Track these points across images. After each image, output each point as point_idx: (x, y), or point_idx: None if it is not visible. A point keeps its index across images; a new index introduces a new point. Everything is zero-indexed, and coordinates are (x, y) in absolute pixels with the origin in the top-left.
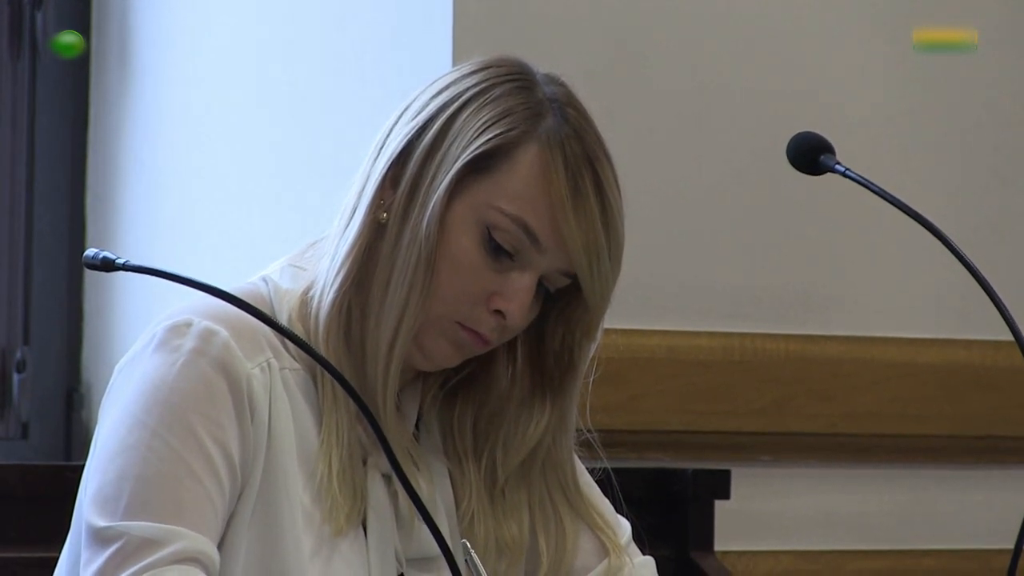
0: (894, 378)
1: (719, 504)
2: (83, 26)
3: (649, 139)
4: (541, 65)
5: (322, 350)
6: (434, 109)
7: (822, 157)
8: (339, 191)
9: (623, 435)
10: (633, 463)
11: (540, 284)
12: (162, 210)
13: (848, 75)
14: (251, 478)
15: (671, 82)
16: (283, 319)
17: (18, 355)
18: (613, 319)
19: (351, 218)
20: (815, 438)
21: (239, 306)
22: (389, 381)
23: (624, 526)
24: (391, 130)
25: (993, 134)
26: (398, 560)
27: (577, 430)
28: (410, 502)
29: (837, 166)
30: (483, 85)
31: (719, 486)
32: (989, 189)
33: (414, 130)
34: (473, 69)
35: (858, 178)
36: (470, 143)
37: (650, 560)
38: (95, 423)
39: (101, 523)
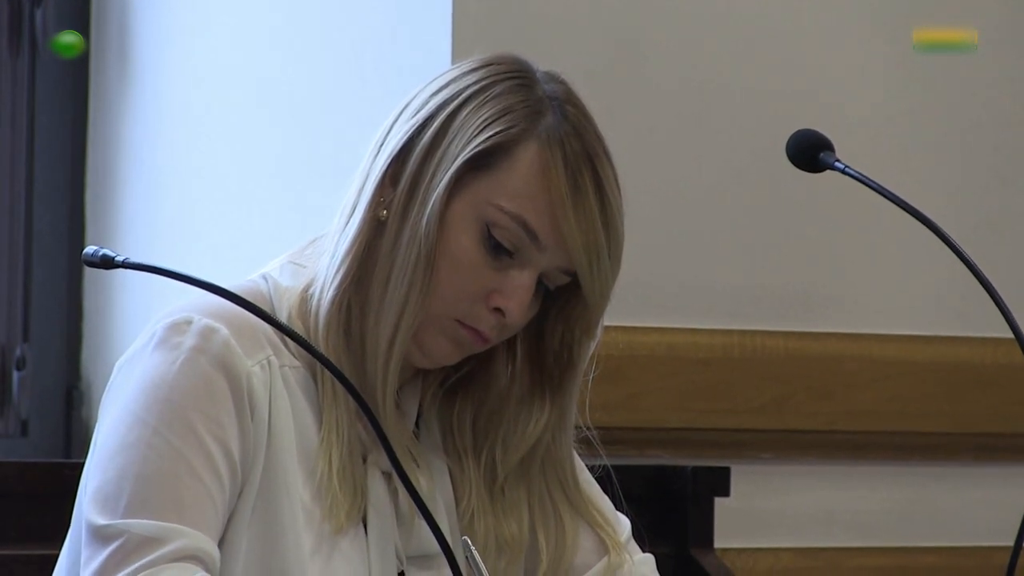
0: (894, 376)
1: (719, 501)
2: (83, 24)
3: (649, 138)
4: (541, 64)
5: (322, 347)
6: (434, 107)
7: (822, 154)
8: (339, 190)
9: (623, 432)
10: (633, 460)
11: (540, 282)
12: (161, 209)
13: (848, 75)
14: (251, 476)
15: (671, 81)
16: (283, 316)
17: (18, 352)
18: (613, 316)
19: (351, 215)
20: (815, 435)
21: (239, 303)
22: (389, 378)
23: (624, 523)
24: (391, 128)
25: (993, 134)
26: (398, 558)
27: (577, 428)
28: (410, 500)
29: (837, 163)
30: (483, 83)
31: (719, 483)
32: (989, 188)
33: (414, 128)
34: (473, 67)
35: (857, 175)
36: (470, 141)
37: (650, 557)
38: (95, 421)
39: (101, 521)
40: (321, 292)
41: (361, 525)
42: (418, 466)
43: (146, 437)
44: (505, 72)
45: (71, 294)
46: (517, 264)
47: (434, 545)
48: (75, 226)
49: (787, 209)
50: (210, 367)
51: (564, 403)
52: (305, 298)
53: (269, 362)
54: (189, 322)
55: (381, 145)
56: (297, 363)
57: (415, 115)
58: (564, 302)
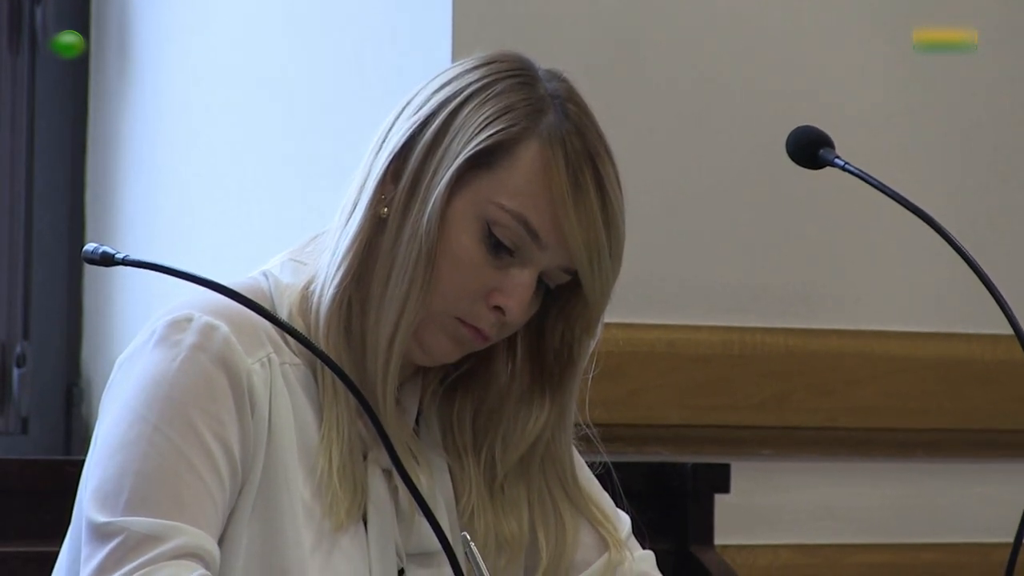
0: (894, 372)
1: (719, 498)
2: (82, 22)
3: (649, 136)
4: (541, 63)
5: (322, 345)
6: (436, 104)
7: (821, 151)
8: (339, 190)
9: (623, 429)
10: (633, 457)
11: (540, 280)
12: (161, 207)
13: (848, 75)
14: (251, 473)
15: (671, 80)
16: (283, 314)
17: (18, 350)
18: (613, 313)
19: (352, 213)
20: (815, 432)
21: (239, 301)
22: (389, 376)
23: (624, 520)
24: (392, 125)
25: (993, 133)
26: (398, 555)
27: (576, 425)
28: (410, 497)
29: (836, 160)
30: (485, 81)
31: (719, 480)
32: (988, 186)
33: (416, 125)
34: (475, 65)
35: (857, 171)
36: (471, 139)
37: (650, 554)
38: (95, 418)
39: (101, 519)
40: (322, 289)
41: (361, 522)
42: (418, 463)
43: (146, 434)
44: (507, 70)
45: (71, 291)
46: (518, 262)
47: (434, 543)
48: (75, 224)
49: (787, 207)
50: (210, 364)
51: (564, 401)
52: (306, 295)
53: (269, 359)
54: (189, 319)
55: (382, 142)
56: (297, 360)
57: (416, 113)
58: (565, 300)
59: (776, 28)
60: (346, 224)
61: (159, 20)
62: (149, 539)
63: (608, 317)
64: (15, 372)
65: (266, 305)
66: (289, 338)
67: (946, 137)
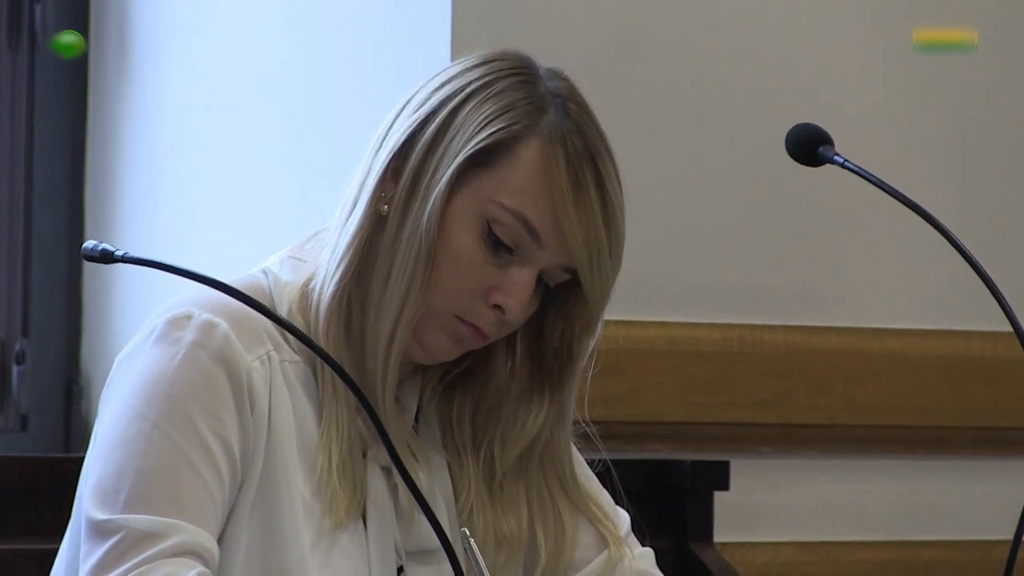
0: (894, 370)
1: (718, 495)
2: (82, 20)
3: (649, 135)
4: (540, 62)
5: (322, 342)
6: (436, 103)
7: (821, 148)
8: (338, 189)
9: (622, 427)
10: (632, 455)
11: (540, 279)
12: (161, 205)
13: (848, 74)
14: (251, 471)
15: (670, 79)
16: (283, 311)
17: (17, 347)
18: (612, 311)
19: (352, 210)
20: (815, 430)
21: (239, 298)
22: (388, 374)
23: (623, 518)
24: (393, 123)
25: (993, 133)
26: (398, 553)
27: (576, 423)
28: (410, 495)
29: (836, 157)
30: (486, 79)
31: (718, 477)
32: (988, 185)
33: (416, 123)
34: (476, 63)
35: (857, 169)
36: (472, 137)
37: (649, 551)
38: (95, 415)
39: (101, 516)
40: (322, 287)
41: (360, 520)
42: (417, 461)
43: (146, 432)
44: (508, 69)
45: (71, 289)
46: (517, 261)
47: (433, 540)
48: (74, 221)
49: (787, 205)
50: (210, 362)
51: (563, 399)
52: (305, 293)
53: (269, 357)
54: (189, 317)
55: (383, 140)
56: (297, 358)
57: (417, 111)
58: (564, 299)
59: (776, 28)
60: (346, 222)
61: (159, 19)
62: (148, 536)
63: (608, 314)
64: (15, 369)
65: (265, 302)
66: (289, 335)
67: (946, 137)
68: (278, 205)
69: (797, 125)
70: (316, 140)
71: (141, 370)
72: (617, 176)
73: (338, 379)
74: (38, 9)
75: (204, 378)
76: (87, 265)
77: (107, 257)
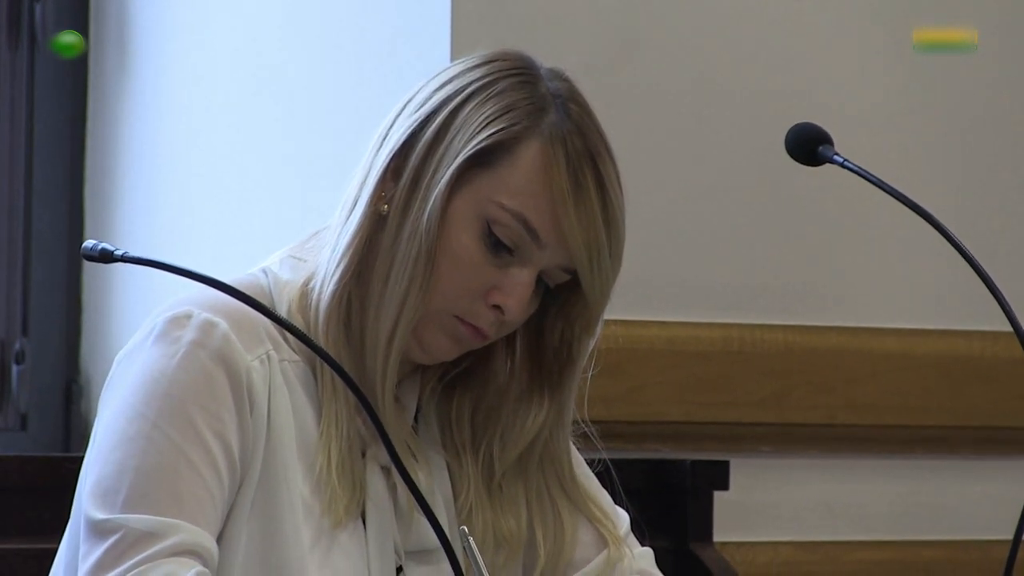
0: (894, 369)
1: (718, 495)
2: (82, 19)
3: (649, 135)
4: (541, 62)
5: (322, 342)
6: (437, 102)
7: (820, 148)
8: (338, 189)
9: (622, 426)
10: (632, 454)
11: (540, 279)
12: (160, 205)
13: (848, 74)
14: (250, 470)
15: (670, 79)
16: (283, 311)
17: (17, 346)
18: (612, 310)
19: (352, 209)
20: (815, 429)
21: (238, 298)
22: (388, 373)
23: (623, 517)
24: (394, 122)
25: (993, 132)
26: (397, 552)
27: (575, 422)
28: (409, 494)
29: (835, 157)
30: (487, 79)
31: (718, 477)
32: (988, 185)
33: (417, 123)
34: (477, 63)
35: (856, 169)
36: (472, 137)
37: (649, 551)
38: (94, 415)
39: (100, 515)
40: (321, 286)
41: (360, 519)
42: (416, 461)
43: (145, 431)
44: (509, 69)
45: (70, 288)
46: (517, 262)
47: (432, 540)
48: (74, 221)
49: (787, 204)
50: (209, 361)
51: (562, 400)
52: (305, 292)
53: (268, 356)
54: (189, 316)
55: (383, 140)
56: (297, 357)
57: (418, 110)
58: (564, 300)
59: (776, 28)
60: (346, 221)
61: (159, 18)
62: (147, 536)
63: (607, 314)
64: (14, 369)
65: (265, 302)
66: (288, 335)
67: (946, 137)
68: (278, 205)
69: (797, 125)
70: (316, 140)
71: (141, 369)
72: (618, 177)
73: (337, 378)
74: (38, 8)
75: (204, 377)
76: (87, 264)
77: (107, 256)
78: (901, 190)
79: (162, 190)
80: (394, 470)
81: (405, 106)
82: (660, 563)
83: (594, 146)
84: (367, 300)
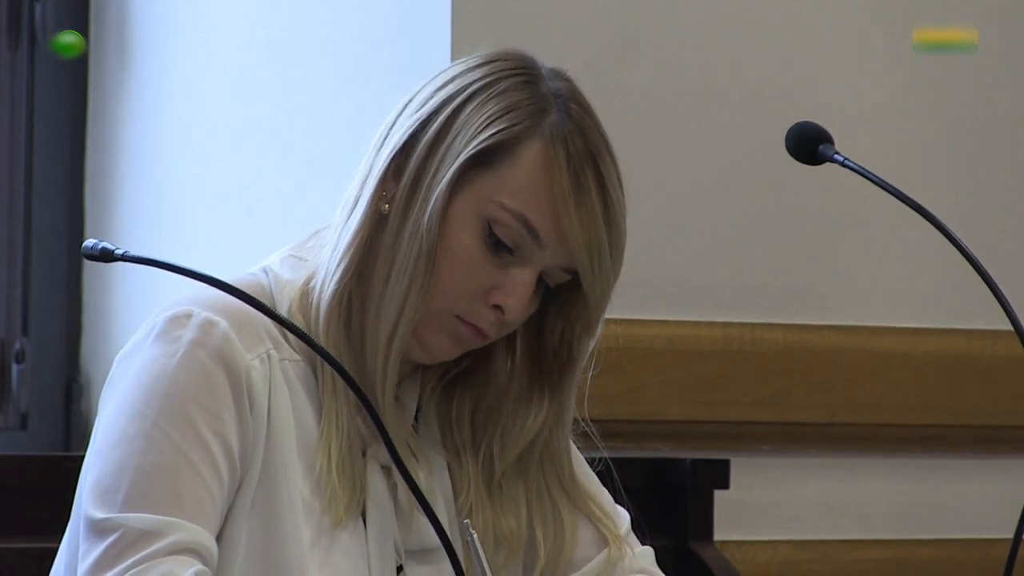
0: (894, 368)
1: (718, 494)
2: (82, 18)
3: (649, 134)
4: (543, 62)
5: (322, 341)
6: (438, 102)
7: (821, 147)
8: (338, 189)
9: (622, 425)
10: (632, 453)
11: (540, 279)
12: (161, 204)
13: (848, 74)
14: (250, 469)
15: (671, 79)
16: (283, 310)
17: (17, 346)
18: (612, 309)
19: (353, 209)
20: (815, 428)
21: (239, 297)
22: (388, 373)
23: (623, 516)
24: (395, 122)
25: (993, 132)
26: (397, 552)
27: (576, 421)
28: (409, 494)
29: (836, 156)
30: (488, 79)
31: (718, 476)
32: (988, 184)
33: (418, 122)
34: (478, 63)
35: (856, 167)
36: (473, 137)
37: (649, 550)
38: (94, 414)
39: (99, 515)
40: (322, 286)
41: (360, 519)
42: (417, 460)
43: (145, 430)
44: (510, 69)
45: (71, 287)
46: (518, 262)
47: (433, 539)
48: (74, 220)
49: (787, 203)
50: (209, 361)
51: (562, 399)
52: (306, 291)
53: (269, 356)
54: (189, 315)
55: (385, 139)
56: (297, 357)
57: (419, 110)
58: (564, 300)
59: (776, 28)
60: (347, 220)
61: (159, 18)
62: (147, 535)
63: (608, 313)
64: (14, 368)
65: (266, 301)
66: (289, 334)
67: (946, 136)
68: (278, 205)
69: (797, 123)
70: (316, 139)
71: (141, 369)
72: (619, 177)
73: (338, 377)
74: (38, 8)
75: (203, 377)
76: (87, 264)
77: (107, 256)
78: (900, 188)
79: (162, 189)
80: (394, 469)
81: (406, 106)
82: (660, 562)
83: (595, 146)
84: (368, 300)
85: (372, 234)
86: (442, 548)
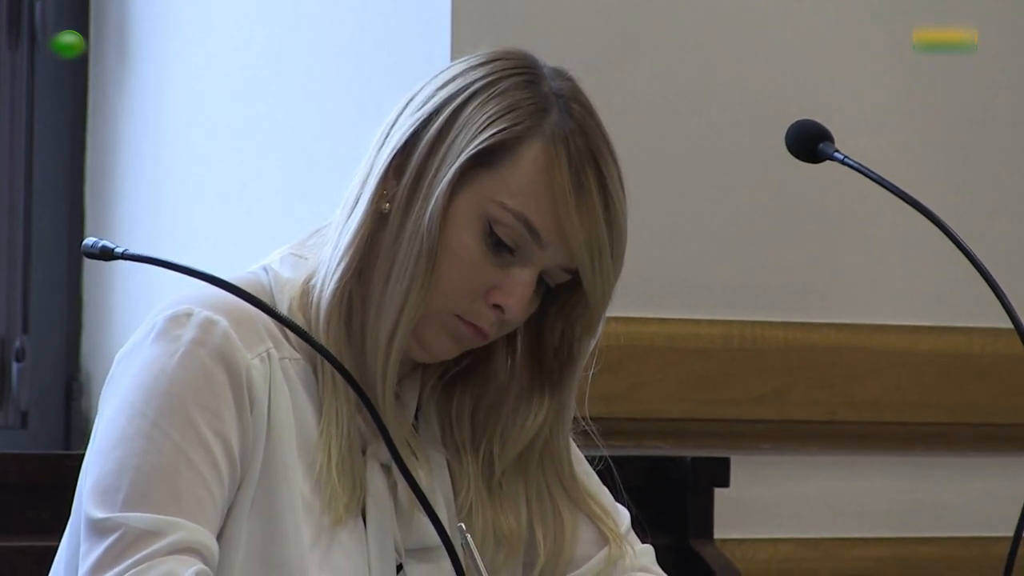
0: (894, 366)
1: (718, 492)
2: (82, 18)
3: (649, 133)
4: (544, 61)
5: (322, 340)
6: (440, 101)
7: (821, 145)
8: (338, 188)
9: (623, 423)
10: (633, 451)
11: (540, 279)
12: (161, 203)
13: (848, 74)
14: (251, 468)
15: (671, 78)
16: (283, 308)
17: (17, 344)
18: (612, 307)
19: (354, 208)
20: (815, 426)
21: (239, 295)
22: (388, 372)
23: (623, 515)
24: (396, 120)
25: (992, 131)
26: (397, 551)
27: (576, 420)
28: (409, 492)
29: (836, 154)
30: (490, 78)
31: (718, 474)
32: (988, 182)
33: (419, 121)
34: (480, 61)
35: (857, 165)
36: (475, 137)
37: (649, 548)
38: (94, 412)
39: (100, 514)
40: (322, 284)
41: (360, 518)
42: (417, 459)
43: (145, 430)
44: (512, 68)
45: (71, 286)
46: (518, 261)
47: (432, 538)
48: (74, 219)
49: (787, 201)
50: (209, 360)
51: (563, 399)
52: (306, 290)
53: (269, 354)
54: (189, 314)
55: (386, 138)
56: (297, 355)
57: (420, 108)
58: (565, 300)
59: (776, 28)
60: (348, 219)
61: (159, 18)
62: (147, 535)
63: (608, 311)
64: (14, 366)
65: (266, 300)
66: (289, 333)
67: (946, 135)
68: (278, 204)
69: (797, 121)
70: (316, 139)
71: (141, 368)
72: (620, 177)
73: (338, 376)
74: (38, 7)
75: (203, 376)
76: (87, 262)
77: (107, 254)
78: (900, 186)
79: (162, 189)
80: (394, 468)
81: (407, 104)
82: (661, 560)
83: (596, 146)
84: (368, 299)
85: (373, 233)
86: (442, 547)
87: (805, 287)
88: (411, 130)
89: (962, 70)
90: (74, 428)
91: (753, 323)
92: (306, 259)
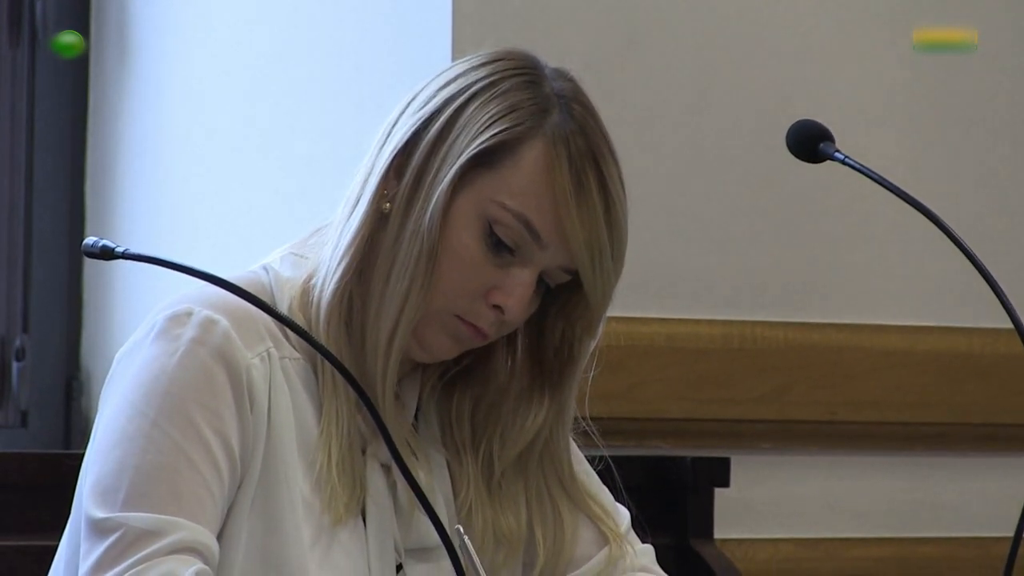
0: (894, 366)
1: (719, 492)
2: (83, 17)
3: (649, 132)
4: (546, 62)
5: (322, 339)
6: (441, 101)
7: (821, 145)
8: (338, 188)
9: (623, 423)
10: (633, 451)
11: (541, 279)
12: (161, 202)
13: (848, 74)
14: (251, 468)
15: (671, 78)
16: (284, 308)
17: (17, 343)
18: (612, 307)
19: (354, 207)
20: (815, 425)
21: (239, 295)
22: (388, 372)
23: (623, 514)
24: (397, 120)
25: (992, 131)
26: (397, 550)
27: (576, 420)
28: (409, 492)
29: (836, 154)
30: (491, 79)
31: (719, 474)
32: (989, 182)
33: (420, 121)
34: (482, 61)
35: (857, 165)
36: (476, 137)
37: (649, 548)
38: (95, 412)
39: (100, 514)
40: (323, 284)
41: (360, 517)
42: (416, 459)
43: (145, 429)
44: (513, 68)
45: (71, 285)
46: (518, 262)
47: (432, 538)
48: (75, 218)
49: (787, 200)
50: (210, 359)
51: (563, 399)
52: (307, 289)
53: (269, 354)
54: (189, 314)
55: (387, 137)
56: (297, 355)
57: (422, 108)
58: (565, 300)
59: (776, 28)
60: (348, 218)
61: (159, 17)
62: (147, 534)
63: (607, 311)
64: (15, 366)
65: (266, 299)
66: (289, 332)
67: (946, 135)
68: (278, 203)
69: (798, 121)
70: (316, 138)
71: (141, 367)
72: (620, 178)
73: (338, 376)
74: (38, 7)
75: (204, 375)
76: (87, 262)
77: (107, 253)
78: (900, 186)
79: (163, 188)
80: (394, 467)
81: (409, 104)
82: (661, 560)
83: (597, 146)
84: (368, 298)
85: (373, 233)
86: (442, 546)
87: (805, 287)
88: (412, 130)
89: (962, 70)
90: (74, 427)
91: (753, 323)
92: (306, 259)
